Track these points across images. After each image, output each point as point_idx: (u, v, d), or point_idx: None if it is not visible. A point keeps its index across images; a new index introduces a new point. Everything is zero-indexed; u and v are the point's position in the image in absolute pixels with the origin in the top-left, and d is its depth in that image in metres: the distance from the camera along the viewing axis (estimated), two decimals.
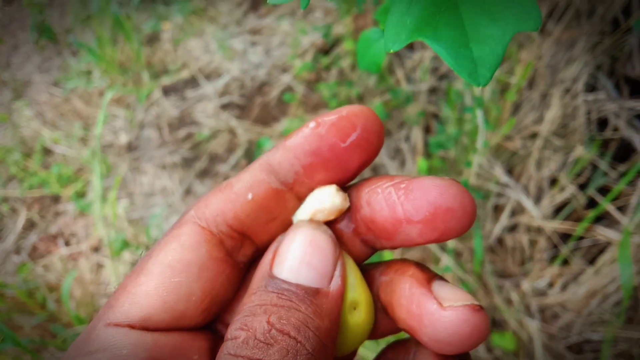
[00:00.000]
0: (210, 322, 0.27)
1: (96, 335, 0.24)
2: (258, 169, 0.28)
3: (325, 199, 0.28)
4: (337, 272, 0.25)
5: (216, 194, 0.28)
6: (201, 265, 0.26)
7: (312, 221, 0.27)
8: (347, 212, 0.29)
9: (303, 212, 0.29)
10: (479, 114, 0.89)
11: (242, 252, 0.28)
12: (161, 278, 0.25)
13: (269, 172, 0.28)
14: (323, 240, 0.26)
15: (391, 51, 0.19)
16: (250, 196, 0.27)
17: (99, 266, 1.42)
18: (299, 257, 0.25)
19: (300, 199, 0.28)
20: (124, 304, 0.25)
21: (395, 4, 0.19)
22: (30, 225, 1.60)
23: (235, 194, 0.27)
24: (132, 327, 0.24)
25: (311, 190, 0.28)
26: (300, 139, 0.27)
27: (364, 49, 0.39)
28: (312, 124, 0.27)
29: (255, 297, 0.24)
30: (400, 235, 0.26)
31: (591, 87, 1.25)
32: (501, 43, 0.18)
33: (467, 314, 0.23)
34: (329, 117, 0.27)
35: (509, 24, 0.18)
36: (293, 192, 0.28)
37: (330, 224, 0.29)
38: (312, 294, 0.24)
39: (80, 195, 1.60)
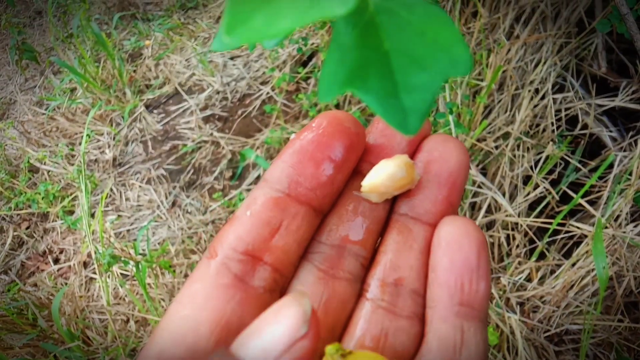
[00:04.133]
0: None
1: None
2: (255, 188, 0.28)
3: (397, 167, 0.27)
4: (286, 357, 0.21)
5: (225, 226, 0.27)
6: (206, 295, 0.25)
7: (299, 292, 0.24)
8: None
9: (370, 179, 0.28)
10: (451, 118, 0.92)
11: (258, 276, 0.26)
12: (170, 315, 0.25)
13: (263, 186, 0.27)
14: (289, 312, 0.22)
15: (323, 103, 0.19)
16: (248, 213, 0.27)
17: (89, 282, 1.44)
18: (254, 327, 0.22)
19: (302, 202, 0.27)
20: (146, 345, 0.25)
21: (329, 56, 0.19)
22: (18, 244, 1.61)
23: (236, 217, 0.27)
24: None
25: (311, 190, 0.27)
26: (285, 148, 0.28)
27: None
28: (293, 135, 0.29)
29: None
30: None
31: (559, 87, 1.29)
32: (431, 91, 0.18)
33: None
34: (309, 124, 0.28)
35: (439, 71, 0.18)
36: (292, 197, 0.27)
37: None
38: None
39: (68, 212, 1.61)
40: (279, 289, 0.27)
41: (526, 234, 1.22)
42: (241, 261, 0.26)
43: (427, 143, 0.29)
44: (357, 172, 0.29)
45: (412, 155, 0.29)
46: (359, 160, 0.29)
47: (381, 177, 0.27)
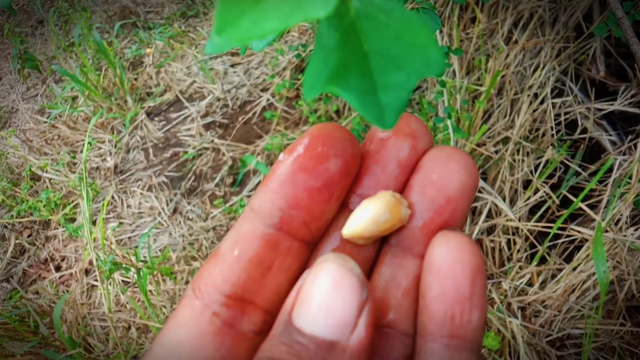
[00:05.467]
0: None
1: None
2: (241, 220, 0.25)
3: (380, 209, 0.24)
4: (362, 321, 0.21)
5: (209, 260, 0.25)
6: (193, 344, 0.23)
7: (338, 255, 0.22)
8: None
9: (351, 226, 0.25)
10: (449, 123, 0.93)
11: (247, 320, 0.24)
12: None
13: (252, 219, 0.25)
14: (346, 280, 0.21)
15: (307, 100, 0.20)
16: (236, 252, 0.24)
17: (91, 289, 1.44)
18: (318, 300, 0.21)
19: (294, 237, 0.25)
20: None
21: (313, 57, 0.20)
22: (20, 251, 1.61)
23: (221, 255, 0.24)
24: None
25: (304, 224, 0.25)
26: (273, 173, 0.25)
27: None
28: (281, 156, 0.25)
29: (268, 345, 0.22)
30: None
31: (559, 91, 1.30)
32: (406, 89, 0.20)
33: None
34: (292, 144, 0.25)
35: (414, 71, 0.20)
36: (283, 232, 0.25)
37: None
38: (326, 348, 0.20)
39: (70, 219, 1.61)
40: (269, 329, 0.25)
41: (527, 239, 1.22)
42: (230, 306, 0.24)
43: (427, 161, 0.26)
44: (344, 204, 0.27)
45: (411, 172, 0.26)
46: (348, 191, 0.27)
47: (363, 223, 0.25)
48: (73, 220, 1.62)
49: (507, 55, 1.27)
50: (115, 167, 1.74)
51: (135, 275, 1.29)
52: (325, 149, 0.25)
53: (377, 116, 0.20)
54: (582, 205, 1.15)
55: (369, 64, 0.20)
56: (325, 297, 0.21)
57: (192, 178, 1.64)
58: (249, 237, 0.24)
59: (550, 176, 1.25)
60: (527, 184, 1.27)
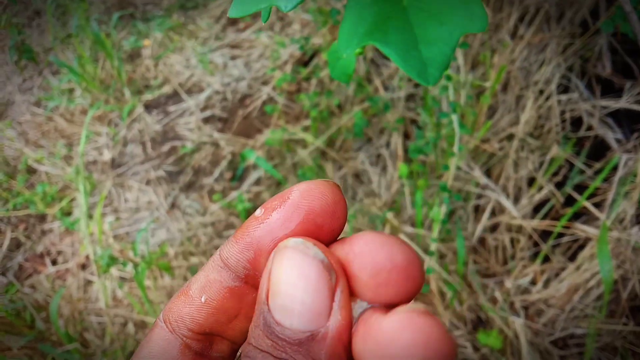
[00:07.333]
0: None
1: None
2: (211, 266, 0.26)
3: None
4: (336, 305, 0.21)
5: (179, 297, 0.26)
6: None
7: (298, 241, 0.22)
8: None
9: None
10: (454, 118, 0.91)
11: (216, 349, 0.26)
12: None
13: (220, 268, 0.26)
14: (312, 270, 0.21)
15: (344, 56, 0.20)
16: (203, 299, 0.25)
17: (87, 283, 1.42)
18: (289, 292, 0.21)
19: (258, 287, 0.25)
20: None
21: (348, 11, 0.20)
22: (16, 245, 1.59)
23: (190, 297, 0.26)
24: None
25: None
26: (244, 230, 0.25)
27: (333, 60, 0.40)
28: (258, 212, 0.25)
29: (255, 335, 0.22)
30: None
31: (564, 88, 1.28)
32: (449, 44, 0.19)
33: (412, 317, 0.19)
34: (273, 203, 0.25)
35: (456, 25, 0.20)
36: (249, 285, 0.25)
37: None
38: (307, 340, 0.21)
39: (66, 213, 1.59)
40: (235, 352, 0.27)
41: (530, 237, 1.21)
42: (199, 339, 0.26)
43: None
44: None
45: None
46: None
47: None
48: (69, 214, 1.60)
49: (513, 51, 1.26)
50: (113, 160, 1.72)
51: (133, 270, 1.27)
52: (306, 232, 0.24)
53: (419, 71, 0.19)
54: (587, 204, 1.14)
55: (409, 18, 0.20)
56: (294, 289, 0.21)
57: (191, 172, 1.62)
58: (215, 286, 0.25)
59: (555, 174, 1.24)
60: (531, 181, 1.25)
